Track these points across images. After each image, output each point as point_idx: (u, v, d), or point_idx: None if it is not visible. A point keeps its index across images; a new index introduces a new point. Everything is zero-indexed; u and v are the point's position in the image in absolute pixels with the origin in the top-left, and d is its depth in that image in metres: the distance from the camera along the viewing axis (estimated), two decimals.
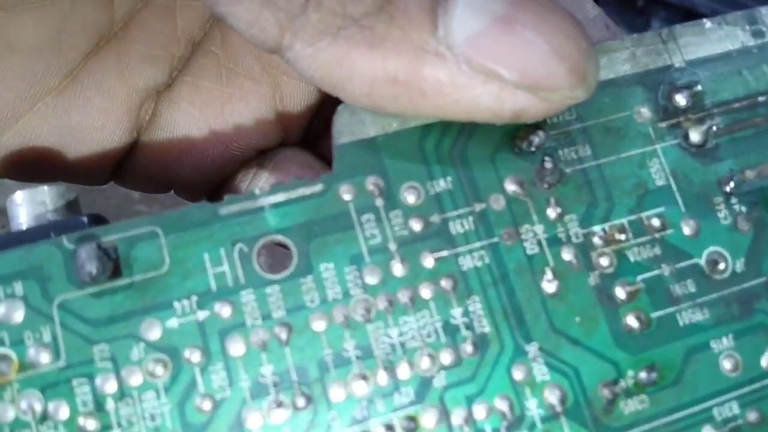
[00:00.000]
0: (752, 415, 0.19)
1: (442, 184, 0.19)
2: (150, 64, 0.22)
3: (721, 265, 0.20)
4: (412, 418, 0.17)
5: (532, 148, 0.20)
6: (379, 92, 0.17)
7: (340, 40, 0.17)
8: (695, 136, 0.20)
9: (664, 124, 0.21)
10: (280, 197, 0.18)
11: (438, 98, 0.17)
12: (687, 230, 0.20)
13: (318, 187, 0.18)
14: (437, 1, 0.17)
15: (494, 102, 0.17)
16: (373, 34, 0.17)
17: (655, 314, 0.19)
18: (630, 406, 0.18)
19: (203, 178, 0.24)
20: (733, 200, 0.20)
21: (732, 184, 0.20)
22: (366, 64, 0.17)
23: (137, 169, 0.24)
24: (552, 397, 0.18)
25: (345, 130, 0.19)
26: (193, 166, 0.24)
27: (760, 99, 0.21)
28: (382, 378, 0.17)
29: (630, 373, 0.18)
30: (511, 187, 0.19)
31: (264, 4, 0.17)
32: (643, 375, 0.18)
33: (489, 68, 0.17)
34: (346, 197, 0.18)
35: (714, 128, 0.21)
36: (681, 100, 0.21)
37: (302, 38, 0.17)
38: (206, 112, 0.24)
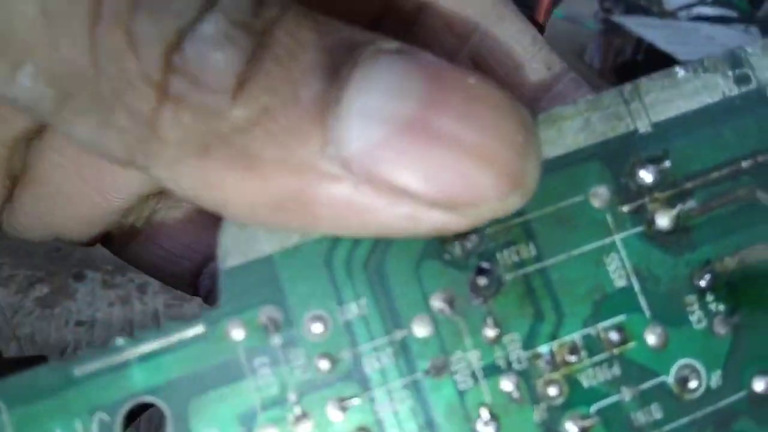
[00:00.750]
0: None
1: (354, 310, 0.16)
2: (15, 112, 0.19)
3: (693, 383, 0.16)
4: None
5: (464, 254, 0.16)
6: (263, 218, 0.14)
7: (207, 160, 0.13)
8: (663, 221, 0.17)
9: (625, 208, 0.17)
10: (150, 347, 0.15)
11: (336, 222, 0.14)
12: (652, 341, 0.16)
13: (199, 329, 0.15)
14: (326, 108, 0.13)
15: (407, 223, 0.14)
16: (247, 153, 0.13)
17: None
18: None
19: (84, 229, 0.22)
20: (709, 297, 0.17)
21: (708, 276, 0.17)
22: (243, 189, 0.13)
23: (15, 221, 0.22)
24: None
25: (233, 250, 0.15)
26: (70, 218, 0.22)
27: (744, 165, 0.18)
28: None
29: None
30: (438, 305, 0.16)
31: (102, 124, 0.13)
32: None
33: (396, 186, 0.13)
34: (235, 337, 0.15)
35: (687, 208, 0.17)
36: (646, 176, 0.17)
37: (157, 160, 0.13)
38: (78, 161, 0.21)
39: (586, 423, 0.16)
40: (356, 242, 0.16)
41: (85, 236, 0.22)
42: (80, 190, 0.21)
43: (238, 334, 0.15)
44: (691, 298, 0.17)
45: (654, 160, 0.17)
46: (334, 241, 0.16)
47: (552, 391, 0.16)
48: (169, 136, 0.13)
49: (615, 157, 0.17)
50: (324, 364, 0.15)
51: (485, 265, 0.16)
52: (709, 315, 0.17)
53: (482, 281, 0.16)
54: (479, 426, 0.15)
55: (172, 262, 0.22)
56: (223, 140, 0.13)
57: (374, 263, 0.16)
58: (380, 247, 0.16)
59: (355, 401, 0.15)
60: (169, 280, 0.23)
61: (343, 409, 0.15)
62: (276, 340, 0.15)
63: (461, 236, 0.16)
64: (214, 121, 0.13)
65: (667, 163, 0.17)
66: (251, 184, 0.13)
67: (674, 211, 0.17)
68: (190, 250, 0.22)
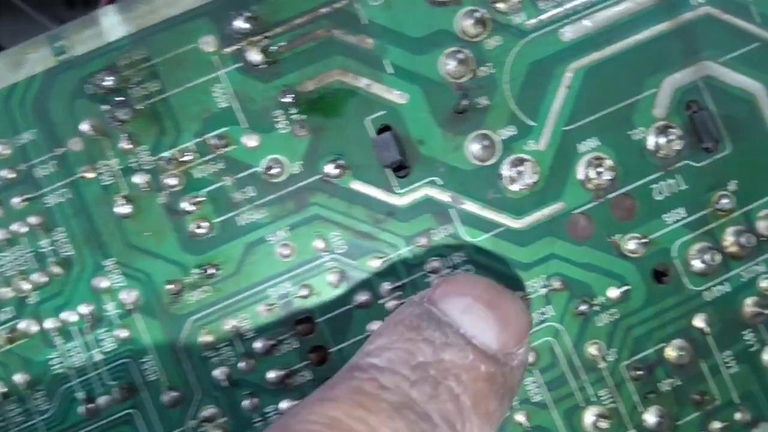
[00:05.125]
0: (302, 291, 0.23)
1: (26, 137, 0.23)
2: None
3: (277, 170, 0.23)
4: (14, 329, 0.22)
5: (103, 91, 0.23)
6: None
7: None
8: (254, 56, 0.24)
9: (228, 50, 0.24)
10: None
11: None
12: (249, 143, 0.23)
13: None
14: None
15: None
16: None
17: (217, 219, 0.23)
18: (195, 296, 0.23)
19: None
20: (292, 110, 0.24)
21: (291, 96, 0.23)
22: None
23: None
24: (127, 298, 0.23)
25: None
26: None
27: (323, 11, 0.24)
28: None
29: (195, 270, 0.23)
30: (87, 129, 0.23)
31: None
32: (204, 271, 0.23)
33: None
34: None
35: (274, 47, 0.24)
36: (242, 24, 0.23)
37: None
38: None
39: (197, 200, 0.23)
40: (26, 89, 0.23)
41: None
42: None
43: None
44: (278, 112, 0.24)
45: (246, 12, 0.23)
46: (11, 89, 0.23)
47: (172, 181, 0.23)
48: None
49: (221, 12, 0.24)
50: (9, 175, 0.23)
51: (120, 98, 0.23)
52: (292, 123, 0.24)
53: (119, 111, 0.23)
54: (118, 207, 0.23)
55: None
56: None
57: (39, 104, 0.23)
58: (43, 91, 0.23)
59: (31, 195, 0.23)
60: None
61: (23, 201, 0.23)
62: None
63: (101, 78, 0.23)
64: None
65: (254, 11, 0.23)
66: None
67: (263, 48, 0.23)
68: None
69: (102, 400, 0.23)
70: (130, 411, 0.23)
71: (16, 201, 0.23)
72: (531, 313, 0.21)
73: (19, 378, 0.23)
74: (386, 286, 0.24)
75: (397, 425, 0.16)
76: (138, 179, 0.23)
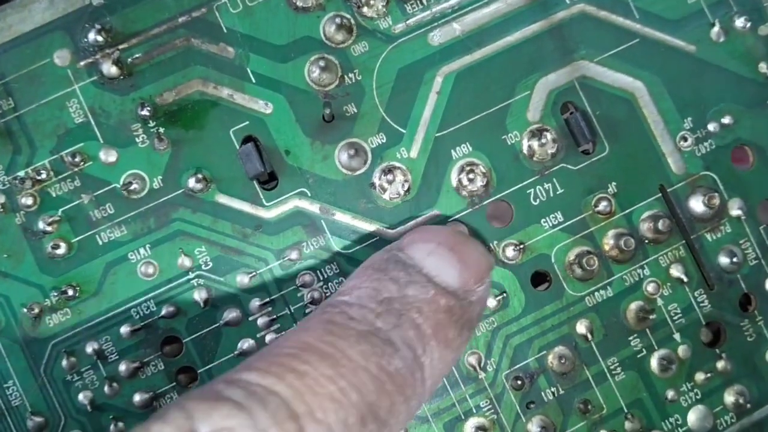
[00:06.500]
0: (168, 310, 0.23)
1: None
2: None
3: (136, 185, 0.23)
4: None
5: None
6: None
7: None
8: (109, 69, 0.23)
9: (82, 64, 0.23)
10: None
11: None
12: (106, 159, 0.23)
13: None
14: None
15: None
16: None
17: (76, 239, 0.23)
18: (55, 319, 0.22)
19: None
20: (151, 123, 0.23)
21: (150, 108, 0.23)
22: None
23: None
24: None
25: None
26: None
27: (181, 20, 0.23)
28: None
29: (53, 293, 0.22)
30: None
31: None
32: (63, 293, 0.22)
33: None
34: None
35: (129, 59, 0.23)
36: (96, 37, 0.23)
37: None
38: None
39: (53, 219, 0.22)
40: None
41: None
42: None
43: None
44: (137, 126, 0.23)
45: (100, 24, 0.23)
46: None
47: (28, 201, 0.23)
48: None
49: (75, 26, 0.23)
50: None
51: None
52: (151, 136, 0.23)
53: None
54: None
55: None
56: None
57: None
58: None
59: None
60: None
61: None
62: None
63: None
64: None
65: (108, 23, 0.23)
66: None
67: (117, 60, 0.23)
68: None
69: None
70: None
71: None
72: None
73: None
74: (256, 302, 0.23)
75: (362, 348, 0.18)
76: None
